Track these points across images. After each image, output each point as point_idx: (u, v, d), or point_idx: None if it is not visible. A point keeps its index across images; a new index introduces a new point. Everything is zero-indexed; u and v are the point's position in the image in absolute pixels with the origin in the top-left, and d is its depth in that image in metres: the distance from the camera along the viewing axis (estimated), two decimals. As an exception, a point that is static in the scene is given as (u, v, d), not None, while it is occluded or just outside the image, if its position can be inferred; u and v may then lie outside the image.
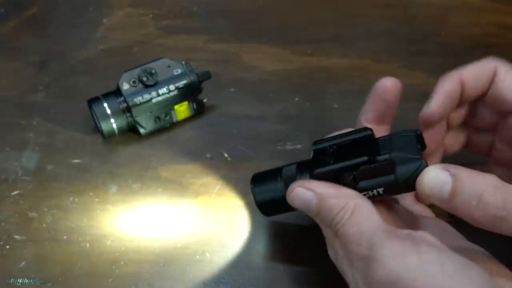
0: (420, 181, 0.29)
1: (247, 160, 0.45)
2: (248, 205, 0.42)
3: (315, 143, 0.34)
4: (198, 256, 0.39)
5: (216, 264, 0.39)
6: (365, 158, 0.31)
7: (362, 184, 0.31)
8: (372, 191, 0.31)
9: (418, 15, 0.60)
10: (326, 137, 0.34)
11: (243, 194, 0.43)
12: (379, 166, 0.31)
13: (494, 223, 0.27)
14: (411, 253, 0.27)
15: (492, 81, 0.35)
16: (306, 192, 0.32)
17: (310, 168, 0.33)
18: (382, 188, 0.31)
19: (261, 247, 0.40)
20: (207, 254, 0.39)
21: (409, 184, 0.30)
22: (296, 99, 0.50)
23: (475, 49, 0.55)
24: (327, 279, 0.37)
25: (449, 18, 0.59)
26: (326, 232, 0.32)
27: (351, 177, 0.31)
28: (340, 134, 0.34)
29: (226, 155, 0.46)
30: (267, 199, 0.36)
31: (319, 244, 0.39)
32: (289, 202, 0.33)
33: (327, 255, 0.36)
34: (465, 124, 0.39)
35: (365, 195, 0.31)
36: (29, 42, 0.56)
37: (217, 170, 0.44)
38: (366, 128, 0.33)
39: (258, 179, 0.37)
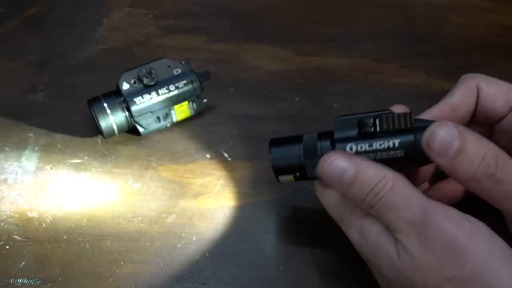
0: (429, 133, 0.30)
1: (247, 160, 0.45)
2: (248, 205, 0.42)
3: (339, 117, 0.34)
4: (198, 256, 0.39)
5: (216, 264, 0.39)
6: (387, 110, 0.32)
7: (381, 137, 0.32)
8: (390, 152, 0.32)
9: (418, 15, 0.60)
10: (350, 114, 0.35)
11: (243, 194, 0.43)
12: (399, 116, 0.32)
13: (491, 185, 0.29)
14: (463, 219, 0.29)
15: (478, 97, 0.35)
16: (343, 161, 0.32)
17: (331, 137, 0.34)
18: (402, 150, 0.32)
19: (261, 247, 0.40)
20: (207, 254, 0.39)
21: None
22: (296, 99, 0.50)
23: (475, 49, 0.55)
24: (327, 279, 0.38)
25: (449, 18, 0.59)
26: (351, 215, 0.33)
27: (371, 126, 0.32)
28: (363, 112, 0.34)
29: (226, 155, 0.46)
30: (284, 164, 0.36)
31: (319, 245, 0.39)
32: (320, 173, 0.33)
33: (327, 256, 0.36)
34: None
35: (384, 155, 0.32)
36: (29, 42, 0.56)
37: (217, 170, 0.44)
38: (387, 109, 0.33)
39: (277, 144, 0.36)
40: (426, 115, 0.35)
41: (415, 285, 0.29)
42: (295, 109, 0.50)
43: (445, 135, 0.29)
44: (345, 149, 0.33)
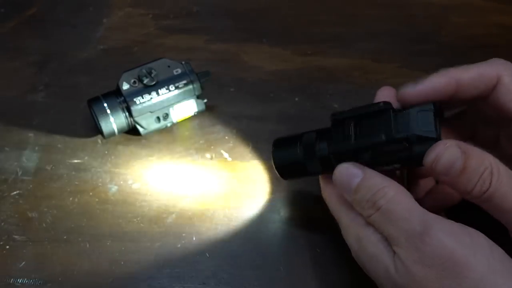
0: (434, 156, 0.30)
1: (247, 160, 0.45)
2: (247, 206, 0.42)
3: (334, 114, 0.34)
4: (198, 256, 0.39)
5: (216, 264, 0.39)
6: (383, 138, 0.31)
7: (379, 160, 0.33)
8: (389, 166, 0.33)
9: (418, 15, 0.60)
10: (346, 110, 0.35)
11: (243, 194, 0.43)
12: (395, 148, 0.32)
13: (484, 199, 0.29)
14: (463, 233, 0.29)
15: (494, 87, 0.33)
16: (354, 168, 0.33)
17: (329, 136, 0.35)
18: (399, 165, 0.33)
19: (260, 247, 0.40)
20: (207, 254, 0.39)
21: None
22: (296, 99, 0.50)
23: (475, 49, 0.55)
24: (327, 279, 0.38)
25: (449, 18, 0.59)
26: (352, 221, 0.33)
27: (369, 156, 0.32)
28: (360, 107, 0.34)
29: (226, 155, 0.46)
30: (285, 162, 0.38)
31: (319, 245, 0.39)
32: (333, 179, 0.34)
33: (327, 256, 0.36)
34: (470, 116, 0.38)
35: (381, 168, 0.33)
36: (29, 42, 0.56)
37: (217, 170, 0.45)
38: (385, 102, 0.33)
39: (279, 144, 0.39)
40: (431, 82, 0.33)
41: None
42: (295, 109, 0.50)
43: (449, 157, 0.29)
44: None
